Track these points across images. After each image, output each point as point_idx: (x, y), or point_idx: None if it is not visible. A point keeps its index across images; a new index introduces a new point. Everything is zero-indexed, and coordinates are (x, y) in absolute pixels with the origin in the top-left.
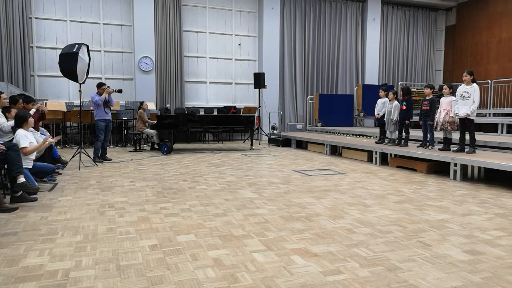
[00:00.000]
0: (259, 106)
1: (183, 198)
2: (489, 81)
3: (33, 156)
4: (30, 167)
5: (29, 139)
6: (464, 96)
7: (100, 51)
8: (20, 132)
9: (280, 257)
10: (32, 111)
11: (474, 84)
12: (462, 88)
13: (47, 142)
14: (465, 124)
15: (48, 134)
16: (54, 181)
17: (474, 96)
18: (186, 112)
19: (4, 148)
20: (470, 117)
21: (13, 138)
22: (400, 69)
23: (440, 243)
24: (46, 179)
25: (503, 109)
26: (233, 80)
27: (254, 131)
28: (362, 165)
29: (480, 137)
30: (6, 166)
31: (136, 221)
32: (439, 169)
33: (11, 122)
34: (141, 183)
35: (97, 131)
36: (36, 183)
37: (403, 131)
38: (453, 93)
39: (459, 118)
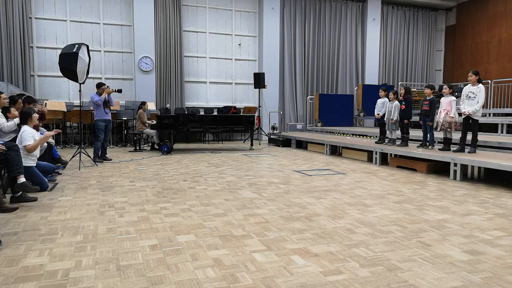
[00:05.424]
0: (259, 106)
1: (183, 198)
2: (489, 81)
3: (37, 153)
4: (34, 164)
5: (34, 137)
6: (469, 97)
7: (100, 51)
8: (27, 129)
9: (280, 257)
10: None
11: (480, 85)
12: (468, 88)
13: (47, 135)
14: (469, 124)
15: None
16: (54, 181)
17: (479, 96)
18: (186, 112)
19: (4, 148)
20: (474, 118)
21: (13, 138)
22: (400, 69)
23: (440, 243)
24: (46, 179)
25: (503, 109)
26: (233, 80)
27: (254, 131)
28: (362, 165)
29: (480, 137)
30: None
31: (136, 221)
32: (439, 169)
33: (11, 122)
34: (141, 183)
35: (97, 131)
36: (47, 181)
37: (403, 130)
38: (453, 93)
39: (463, 118)
